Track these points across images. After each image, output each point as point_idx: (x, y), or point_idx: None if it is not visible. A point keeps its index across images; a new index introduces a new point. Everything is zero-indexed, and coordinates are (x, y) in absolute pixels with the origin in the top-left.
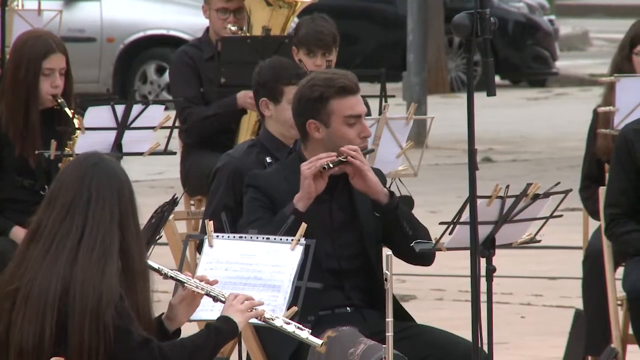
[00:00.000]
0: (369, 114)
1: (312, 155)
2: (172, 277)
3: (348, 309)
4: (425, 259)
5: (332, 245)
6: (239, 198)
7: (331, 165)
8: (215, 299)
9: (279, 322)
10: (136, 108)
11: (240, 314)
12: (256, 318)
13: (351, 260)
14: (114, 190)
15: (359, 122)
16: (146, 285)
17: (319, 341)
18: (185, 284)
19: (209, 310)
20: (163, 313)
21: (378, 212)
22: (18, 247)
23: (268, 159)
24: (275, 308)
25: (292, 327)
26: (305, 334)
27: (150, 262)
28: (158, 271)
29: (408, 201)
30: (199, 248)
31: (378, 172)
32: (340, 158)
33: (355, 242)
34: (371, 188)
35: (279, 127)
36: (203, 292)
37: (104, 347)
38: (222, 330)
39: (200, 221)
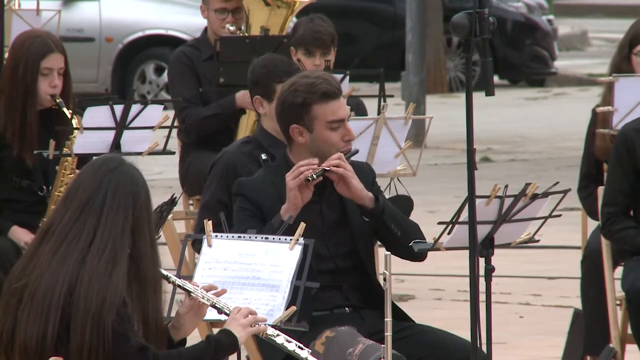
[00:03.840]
0: (365, 113)
1: (297, 159)
2: (179, 286)
3: (347, 309)
4: (417, 255)
5: (326, 245)
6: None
7: (315, 177)
8: (220, 311)
9: (280, 340)
10: (135, 108)
11: (242, 329)
12: (258, 334)
13: (345, 259)
14: (129, 195)
15: (342, 126)
16: (158, 294)
17: None
18: (192, 294)
19: (214, 311)
20: (168, 322)
21: (365, 216)
22: (30, 243)
23: (263, 156)
24: (274, 307)
25: (292, 346)
26: (305, 353)
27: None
28: (166, 278)
29: (407, 202)
30: (194, 244)
31: (366, 166)
32: (323, 167)
33: (346, 240)
34: (356, 194)
35: (274, 124)
36: (209, 304)
37: (103, 349)
38: (222, 344)
39: (196, 216)
